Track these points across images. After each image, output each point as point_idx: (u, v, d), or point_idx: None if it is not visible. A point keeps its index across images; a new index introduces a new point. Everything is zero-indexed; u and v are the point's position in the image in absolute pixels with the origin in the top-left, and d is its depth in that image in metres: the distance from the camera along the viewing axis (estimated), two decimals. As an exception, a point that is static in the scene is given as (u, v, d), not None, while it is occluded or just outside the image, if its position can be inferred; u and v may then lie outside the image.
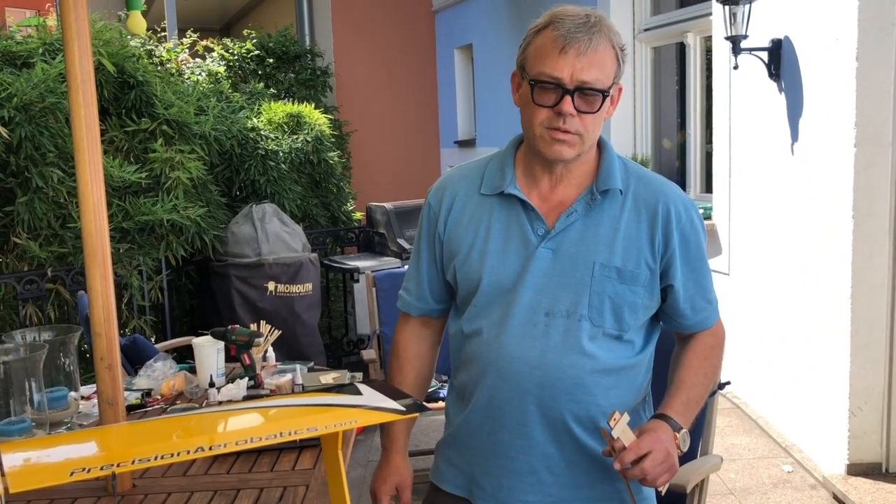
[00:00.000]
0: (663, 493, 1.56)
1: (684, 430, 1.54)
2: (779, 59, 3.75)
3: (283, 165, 4.84)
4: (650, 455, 1.44)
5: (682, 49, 5.22)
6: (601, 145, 1.62)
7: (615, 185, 1.56)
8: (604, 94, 1.48)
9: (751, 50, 3.82)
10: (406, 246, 4.89)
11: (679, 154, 5.47)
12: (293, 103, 5.35)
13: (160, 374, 2.42)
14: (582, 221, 1.56)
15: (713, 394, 2.10)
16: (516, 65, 1.56)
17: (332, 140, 5.36)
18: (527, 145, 1.60)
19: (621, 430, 1.43)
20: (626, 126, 5.55)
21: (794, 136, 3.67)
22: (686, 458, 2.00)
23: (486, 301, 1.58)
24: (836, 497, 3.28)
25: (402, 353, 1.76)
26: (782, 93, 3.76)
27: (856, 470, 3.34)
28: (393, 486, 1.68)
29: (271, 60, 7.20)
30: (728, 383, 2.27)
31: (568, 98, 1.46)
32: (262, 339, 2.53)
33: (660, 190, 1.59)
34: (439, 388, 3.29)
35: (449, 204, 1.65)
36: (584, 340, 1.54)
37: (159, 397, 2.31)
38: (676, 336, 1.72)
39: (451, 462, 1.68)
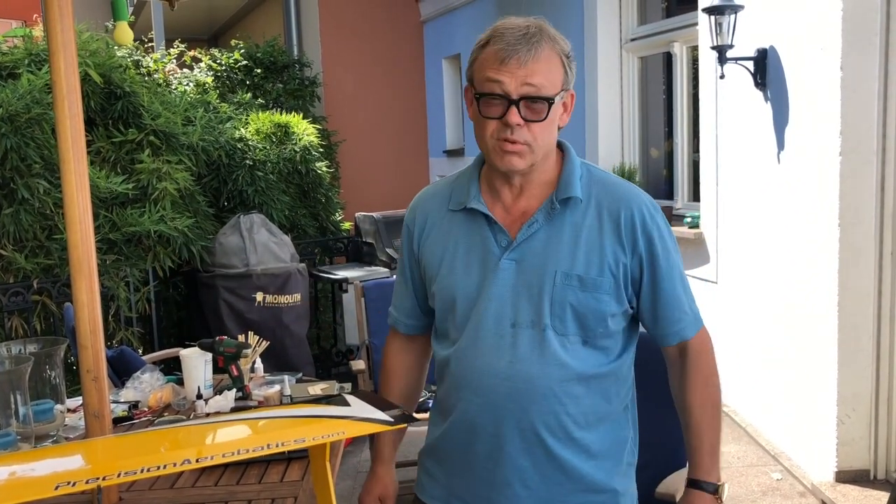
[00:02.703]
0: None
1: (722, 484, 1.58)
2: (764, 69, 3.78)
3: (271, 175, 4.83)
4: None
5: (668, 58, 5.25)
6: (564, 153, 1.62)
7: (574, 192, 1.56)
8: (549, 101, 1.48)
9: (737, 59, 3.84)
10: (395, 255, 4.89)
11: (666, 163, 5.49)
12: (281, 113, 5.34)
13: (147, 386, 2.40)
14: (544, 231, 1.56)
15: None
16: (467, 80, 1.57)
17: (321, 150, 5.35)
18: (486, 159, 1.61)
19: None
20: (614, 135, 5.57)
21: (781, 144, 3.69)
22: (675, 466, 2.00)
23: (456, 315, 1.59)
24: (824, 504, 3.29)
25: (390, 365, 1.78)
26: (768, 102, 3.79)
27: (844, 477, 3.35)
28: (376, 497, 1.70)
29: (259, 70, 7.20)
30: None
31: (513, 108, 1.47)
32: (249, 351, 2.51)
33: (623, 196, 1.59)
34: (429, 399, 3.29)
35: (422, 223, 1.67)
36: (551, 350, 1.53)
37: (146, 409, 2.29)
38: (664, 353, 1.68)
39: (430, 474, 1.68)
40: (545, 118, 1.49)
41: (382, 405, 1.32)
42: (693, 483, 1.58)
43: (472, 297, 1.57)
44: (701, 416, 1.62)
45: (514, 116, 1.47)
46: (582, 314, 1.53)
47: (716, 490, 1.55)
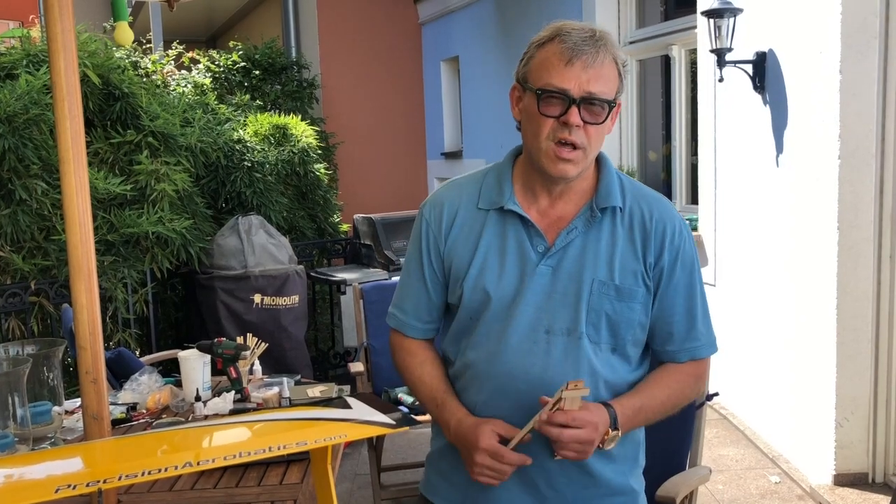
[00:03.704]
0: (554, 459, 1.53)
1: (617, 434, 1.51)
2: (763, 72, 3.78)
3: (269, 177, 4.82)
4: (576, 431, 1.43)
5: (667, 62, 5.25)
6: (600, 160, 1.62)
7: (615, 202, 1.57)
8: (610, 105, 1.49)
9: (735, 62, 3.84)
10: (393, 258, 4.88)
11: (665, 166, 5.49)
12: (279, 115, 5.34)
13: (146, 387, 2.40)
14: (581, 238, 1.56)
15: (701, 405, 2.11)
16: (515, 79, 1.56)
17: (319, 152, 5.35)
18: (527, 159, 1.58)
19: (572, 396, 1.42)
20: (612, 138, 5.57)
21: (779, 147, 3.69)
22: (674, 469, 2.00)
23: (487, 318, 1.57)
24: (823, 508, 3.29)
25: (416, 355, 1.68)
26: (767, 105, 3.79)
27: (843, 480, 3.35)
28: (492, 434, 1.52)
29: (257, 72, 7.19)
30: (716, 394, 2.28)
31: (574, 108, 1.46)
32: (248, 353, 2.51)
33: (656, 207, 1.60)
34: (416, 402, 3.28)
35: (450, 219, 1.62)
36: (585, 358, 1.54)
37: (145, 411, 2.29)
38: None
39: (444, 475, 1.66)
40: (603, 122, 1.50)
41: (384, 408, 1.32)
42: (607, 405, 1.50)
43: (506, 300, 1.55)
44: (654, 387, 1.58)
45: (574, 116, 1.46)
46: (616, 322, 1.55)
47: (615, 420, 1.48)
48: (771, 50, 3.73)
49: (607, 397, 1.55)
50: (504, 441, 1.50)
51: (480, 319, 1.58)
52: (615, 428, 1.50)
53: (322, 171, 5.28)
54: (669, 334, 1.61)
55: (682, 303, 1.59)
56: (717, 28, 3.82)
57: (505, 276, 1.56)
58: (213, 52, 7.09)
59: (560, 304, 1.54)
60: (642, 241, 1.56)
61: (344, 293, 4.83)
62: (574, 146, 1.49)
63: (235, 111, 5.41)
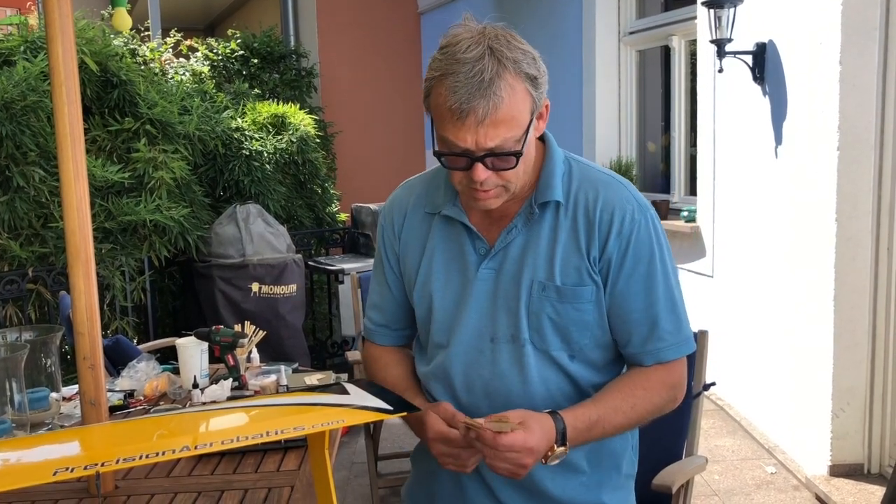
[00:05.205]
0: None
1: (563, 450, 1.34)
2: (763, 63, 3.78)
3: (267, 166, 4.81)
4: (509, 455, 1.29)
5: (666, 52, 5.24)
6: (545, 147, 1.49)
7: (554, 196, 1.43)
8: (517, 154, 1.32)
9: (735, 53, 3.84)
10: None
11: (663, 157, 5.49)
12: (278, 104, 5.32)
13: (143, 374, 2.39)
14: (523, 237, 1.45)
15: (697, 395, 2.11)
16: (425, 108, 1.39)
17: (317, 141, 5.33)
18: None
19: (498, 427, 1.29)
20: (611, 129, 5.57)
21: (778, 139, 3.69)
22: (671, 458, 2.01)
23: (434, 328, 1.51)
24: (818, 498, 3.30)
25: (379, 360, 1.64)
26: (766, 96, 3.79)
27: (838, 471, 3.36)
28: (440, 425, 1.41)
29: (256, 60, 7.17)
30: (713, 384, 2.28)
31: (479, 165, 1.32)
32: (246, 340, 2.51)
33: (603, 192, 1.43)
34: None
35: (400, 223, 1.57)
36: (530, 367, 1.42)
37: (142, 398, 2.28)
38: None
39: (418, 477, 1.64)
40: (515, 165, 1.34)
41: (382, 393, 1.32)
42: (554, 415, 1.35)
43: (450, 309, 1.48)
44: (613, 396, 1.42)
45: (480, 173, 1.33)
46: (562, 327, 1.42)
47: (561, 441, 1.33)
48: (771, 41, 3.72)
49: (569, 405, 1.41)
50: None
51: (431, 329, 1.52)
52: (562, 443, 1.34)
53: (320, 160, 5.27)
54: (628, 334, 1.45)
55: (640, 299, 1.43)
56: (718, 18, 3.81)
57: (450, 282, 1.49)
58: (212, 41, 7.06)
59: (503, 309, 1.44)
60: (586, 233, 1.42)
61: (342, 282, 4.84)
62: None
63: (233, 99, 5.39)
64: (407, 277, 1.56)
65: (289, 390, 2.26)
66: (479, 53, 1.29)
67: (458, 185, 1.40)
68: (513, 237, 1.45)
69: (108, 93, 4.11)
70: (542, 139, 1.49)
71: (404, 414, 1.27)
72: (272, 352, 3.95)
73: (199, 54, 6.76)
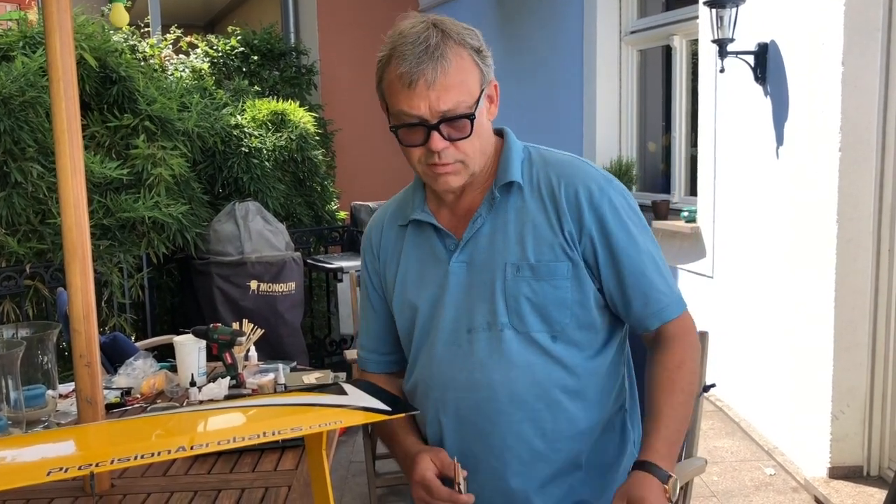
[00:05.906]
0: None
1: (674, 479, 1.33)
2: (765, 63, 3.76)
3: (266, 163, 4.80)
4: None
5: (668, 52, 5.23)
6: (505, 139, 1.52)
7: (513, 177, 1.46)
8: (470, 117, 1.37)
9: (737, 53, 3.83)
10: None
11: (664, 157, 5.48)
12: (277, 101, 5.31)
13: (140, 372, 2.39)
14: (489, 224, 1.47)
15: (697, 397, 2.10)
16: (379, 98, 1.47)
17: (317, 139, 5.32)
18: None
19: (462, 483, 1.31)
20: (612, 129, 5.56)
21: (779, 139, 3.68)
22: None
23: (416, 333, 1.52)
24: (817, 500, 3.29)
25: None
26: (768, 96, 3.77)
27: (837, 473, 3.35)
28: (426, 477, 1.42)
29: (256, 58, 7.15)
30: (713, 386, 2.27)
31: (435, 133, 1.36)
32: (244, 339, 2.50)
33: (563, 172, 1.47)
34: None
35: (377, 241, 1.61)
36: (511, 351, 1.42)
37: (139, 396, 2.27)
38: (646, 344, 1.53)
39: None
40: (471, 133, 1.38)
41: (380, 394, 1.30)
42: (642, 465, 1.33)
43: (428, 310, 1.49)
44: (662, 403, 1.41)
45: (437, 142, 1.37)
46: (541, 306, 1.42)
47: (667, 479, 1.31)
48: (773, 41, 3.71)
49: (559, 394, 1.43)
50: (447, 481, 1.38)
51: (413, 336, 1.52)
52: (666, 478, 1.32)
53: (320, 157, 5.26)
54: (627, 300, 1.46)
55: (630, 263, 1.44)
56: (719, 18, 3.80)
57: (425, 284, 1.50)
58: (212, 37, 7.05)
59: (478, 298, 1.45)
60: (555, 212, 1.44)
61: (341, 281, 4.82)
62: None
63: (233, 97, 5.38)
64: (388, 292, 1.58)
65: (287, 389, 2.25)
66: (423, 27, 1.37)
67: (417, 165, 1.43)
68: (479, 225, 1.47)
69: (107, 89, 4.09)
70: (500, 134, 1.52)
71: (403, 415, 1.25)
72: (270, 350, 3.93)
73: (198, 51, 6.75)
